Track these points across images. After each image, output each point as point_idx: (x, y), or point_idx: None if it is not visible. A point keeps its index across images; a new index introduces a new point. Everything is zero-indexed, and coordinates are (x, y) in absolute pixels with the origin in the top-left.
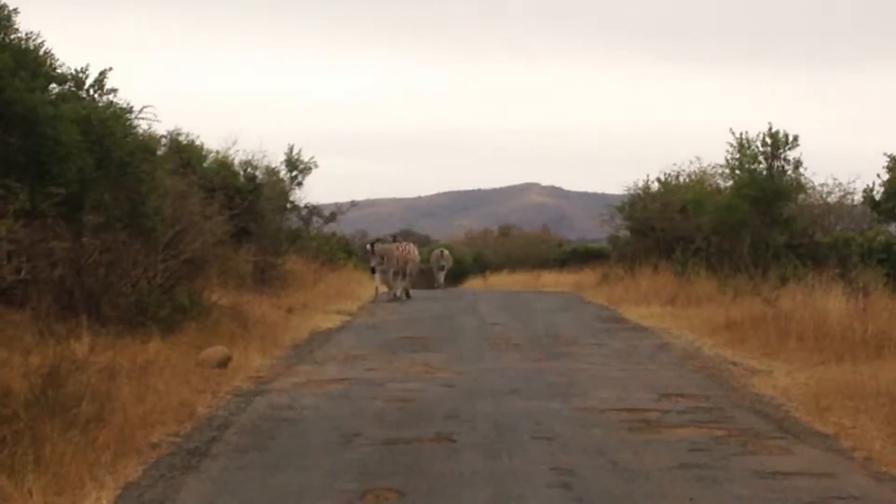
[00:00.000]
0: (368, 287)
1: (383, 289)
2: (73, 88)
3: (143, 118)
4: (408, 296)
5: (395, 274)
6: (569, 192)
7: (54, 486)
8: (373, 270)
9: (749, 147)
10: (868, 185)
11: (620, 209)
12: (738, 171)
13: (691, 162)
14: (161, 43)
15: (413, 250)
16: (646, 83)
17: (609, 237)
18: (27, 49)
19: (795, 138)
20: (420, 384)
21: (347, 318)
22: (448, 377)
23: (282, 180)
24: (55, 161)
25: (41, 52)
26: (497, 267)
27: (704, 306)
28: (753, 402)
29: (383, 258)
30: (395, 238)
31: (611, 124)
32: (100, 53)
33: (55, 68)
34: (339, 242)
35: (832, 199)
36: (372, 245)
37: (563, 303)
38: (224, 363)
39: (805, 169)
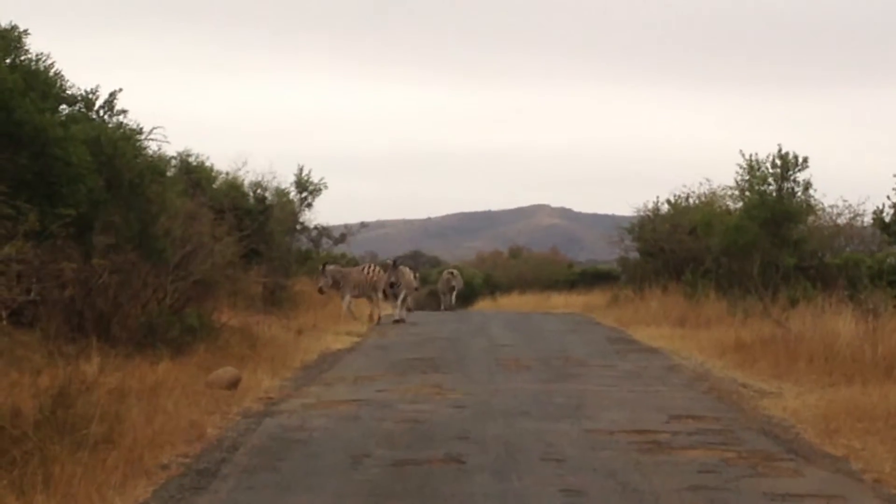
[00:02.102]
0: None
1: (380, 311)
2: (83, 109)
3: (152, 139)
4: (378, 320)
5: (367, 297)
6: (578, 213)
7: None
8: (320, 290)
9: (759, 169)
10: (878, 207)
11: (630, 231)
12: (747, 193)
13: (701, 183)
14: (171, 64)
15: (403, 274)
16: (656, 104)
17: (619, 259)
18: (37, 70)
19: (805, 160)
20: (430, 405)
21: (357, 339)
22: (458, 398)
23: (291, 201)
24: (65, 182)
25: (51, 73)
26: (507, 288)
27: (714, 328)
28: (763, 424)
29: (336, 280)
30: (394, 263)
31: (621, 146)
32: (110, 75)
33: (65, 89)
34: (348, 264)
35: (842, 220)
36: (323, 266)
37: (572, 324)
38: (234, 384)
39: (815, 191)
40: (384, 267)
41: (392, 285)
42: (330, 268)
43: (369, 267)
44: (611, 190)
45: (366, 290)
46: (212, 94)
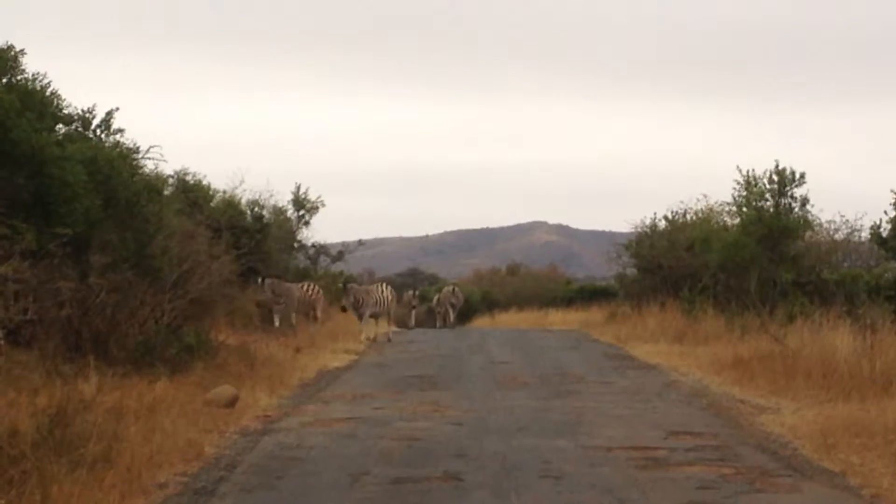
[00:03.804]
0: (375, 326)
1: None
2: (79, 129)
3: (149, 158)
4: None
5: (305, 315)
6: (576, 230)
7: None
8: (262, 304)
9: (756, 184)
10: (875, 222)
11: (628, 247)
12: (744, 209)
13: (698, 200)
14: (168, 82)
15: (369, 293)
16: (653, 120)
17: (616, 275)
18: (34, 90)
19: (802, 175)
20: (428, 423)
21: (355, 356)
22: (456, 415)
23: (289, 219)
24: (62, 201)
25: (48, 92)
26: (505, 305)
27: (712, 344)
28: (761, 440)
29: (279, 296)
30: (344, 285)
31: (618, 162)
32: (107, 94)
33: (62, 109)
34: (347, 281)
35: (839, 236)
36: (262, 280)
37: (570, 341)
38: (231, 403)
39: (812, 206)
40: (266, 278)
41: (343, 308)
42: (268, 281)
43: (309, 285)
44: (609, 207)
45: (304, 308)
46: (209, 113)
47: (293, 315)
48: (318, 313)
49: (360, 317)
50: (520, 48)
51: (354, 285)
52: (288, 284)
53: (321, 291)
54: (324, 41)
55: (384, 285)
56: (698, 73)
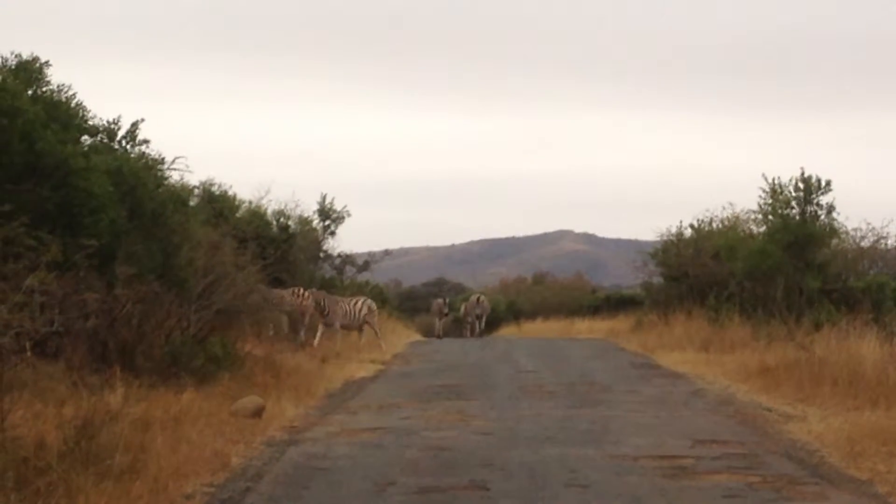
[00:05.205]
0: (402, 336)
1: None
2: (105, 140)
3: (175, 169)
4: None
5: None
6: (602, 238)
7: None
8: None
9: (781, 192)
10: None
11: (653, 255)
12: (770, 217)
13: (724, 208)
14: (193, 93)
15: (336, 303)
16: (679, 129)
17: (642, 283)
18: (59, 101)
19: (828, 183)
20: (454, 432)
21: (381, 366)
22: (482, 425)
23: (315, 230)
24: (87, 212)
25: (73, 103)
26: (531, 314)
27: (738, 352)
28: (788, 448)
29: (269, 302)
30: (301, 293)
31: (644, 171)
32: (132, 104)
33: (87, 120)
34: (372, 291)
35: (866, 243)
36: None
37: (596, 350)
38: (258, 413)
39: (838, 214)
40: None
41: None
42: (257, 288)
43: (298, 290)
44: (634, 215)
45: (296, 314)
46: (235, 124)
47: (286, 322)
48: (307, 320)
49: (327, 325)
50: (546, 57)
51: (315, 290)
52: (278, 291)
53: (312, 297)
54: (352, 51)
55: (363, 300)
56: (724, 83)
